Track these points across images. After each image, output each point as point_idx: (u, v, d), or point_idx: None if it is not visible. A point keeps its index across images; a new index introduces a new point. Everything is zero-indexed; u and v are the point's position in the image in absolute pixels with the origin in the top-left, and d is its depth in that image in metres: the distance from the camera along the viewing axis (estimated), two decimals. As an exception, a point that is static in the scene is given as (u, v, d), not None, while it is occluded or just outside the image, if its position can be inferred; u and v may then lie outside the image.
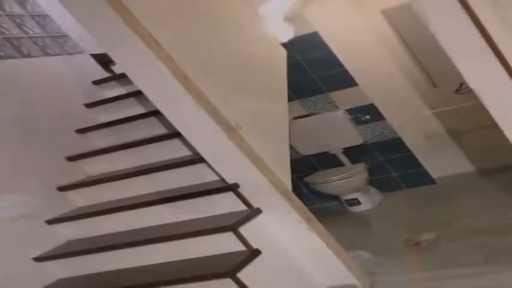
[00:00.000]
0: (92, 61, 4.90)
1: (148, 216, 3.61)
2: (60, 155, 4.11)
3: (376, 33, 4.42)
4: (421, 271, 3.44)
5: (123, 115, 4.33)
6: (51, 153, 4.05)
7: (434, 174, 4.95)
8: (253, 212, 3.30)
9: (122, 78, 4.56)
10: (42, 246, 3.70)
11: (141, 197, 3.74)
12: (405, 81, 4.56)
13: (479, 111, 2.77)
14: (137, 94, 4.28)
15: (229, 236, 3.16)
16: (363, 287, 3.36)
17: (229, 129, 3.18)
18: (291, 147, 5.15)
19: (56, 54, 4.64)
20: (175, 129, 3.37)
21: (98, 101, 4.57)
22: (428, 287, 3.24)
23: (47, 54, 4.57)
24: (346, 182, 4.94)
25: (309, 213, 3.36)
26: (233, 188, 3.32)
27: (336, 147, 5.16)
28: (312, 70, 4.81)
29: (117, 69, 4.86)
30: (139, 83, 3.25)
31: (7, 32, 4.36)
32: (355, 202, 5.05)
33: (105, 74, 4.88)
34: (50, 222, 3.80)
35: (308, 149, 5.30)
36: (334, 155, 5.23)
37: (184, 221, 3.50)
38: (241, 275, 3.00)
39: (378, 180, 5.21)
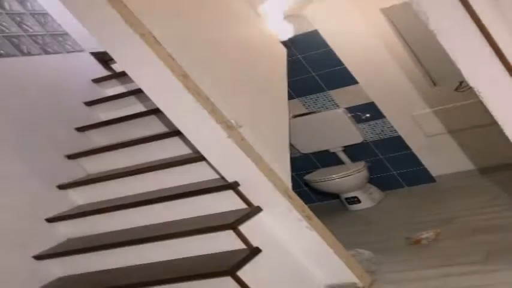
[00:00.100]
0: (92, 59, 4.90)
1: (148, 214, 3.61)
2: (60, 153, 4.11)
3: (376, 32, 4.41)
4: (421, 269, 3.44)
5: (123, 113, 4.34)
6: (51, 152, 4.06)
7: (434, 172, 4.96)
8: (253, 210, 3.30)
9: (122, 76, 4.56)
10: (42, 244, 3.71)
11: (141, 195, 3.74)
12: (405, 80, 4.56)
13: (479, 109, 2.77)
14: (137, 92, 4.28)
15: (229, 234, 3.17)
16: (363, 285, 3.36)
17: (229, 128, 3.19)
18: (291, 146, 5.15)
19: (55, 53, 4.64)
20: (175, 127, 3.37)
21: (97, 99, 4.57)
22: (428, 285, 3.24)
23: (47, 53, 4.57)
24: (346, 180, 4.94)
25: (309, 212, 3.36)
26: (233, 186, 3.32)
27: (336, 145, 5.16)
28: (312, 68, 4.82)
29: (117, 67, 4.86)
30: (139, 81, 3.25)
31: (7, 30, 4.36)
32: (355, 200, 5.05)
33: (105, 72, 4.88)
34: (50, 220, 3.80)
35: (308, 147, 5.30)
36: (334, 153, 5.23)
37: (184, 219, 3.50)
38: (241, 273, 3.00)
39: (378, 179, 5.21)
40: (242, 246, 3.18)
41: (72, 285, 3.58)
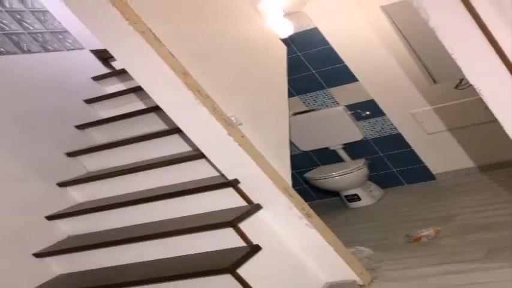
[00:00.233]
0: (92, 57, 4.89)
1: (149, 212, 3.61)
2: (60, 150, 4.11)
3: (376, 29, 4.41)
4: (421, 267, 3.44)
5: (123, 111, 4.33)
6: (51, 149, 4.05)
7: (435, 170, 4.96)
8: (253, 208, 3.30)
9: (122, 74, 4.55)
10: (42, 242, 3.71)
11: (141, 193, 3.74)
12: (405, 77, 4.55)
13: (479, 107, 2.77)
14: (137, 90, 4.27)
15: (229, 231, 3.17)
16: (363, 282, 3.36)
17: (229, 125, 3.18)
18: (291, 143, 5.15)
19: (55, 50, 4.64)
20: (175, 125, 3.37)
21: (97, 96, 4.56)
22: (428, 283, 3.24)
23: (47, 50, 4.57)
24: (346, 177, 4.94)
25: (309, 209, 3.36)
26: (233, 183, 3.32)
27: (336, 143, 5.16)
28: (312, 66, 4.81)
29: (117, 65, 4.86)
30: (139, 79, 3.24)
31: (7, 28, 4.36)
32: (355, 198, 5.05)
33: (105, 70, 4.88)
34: (50, 218, 3.80)
35: (308, 144, 5.30)
36: (334, 151, 5.23)
37: (184, 217, 3.50)
38: (241, 270, 3.01)
39: (378, 176, 5.21)
40: (242, 244, 3.18)
41: (72, 283, 3.57)
